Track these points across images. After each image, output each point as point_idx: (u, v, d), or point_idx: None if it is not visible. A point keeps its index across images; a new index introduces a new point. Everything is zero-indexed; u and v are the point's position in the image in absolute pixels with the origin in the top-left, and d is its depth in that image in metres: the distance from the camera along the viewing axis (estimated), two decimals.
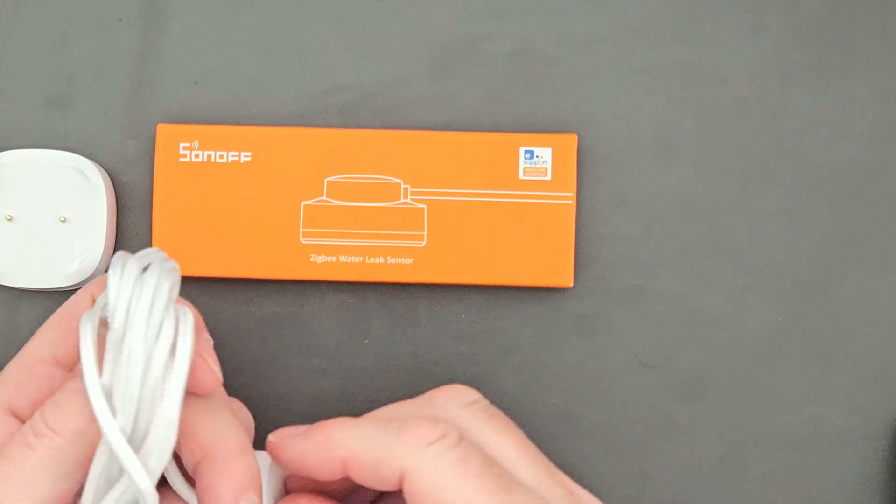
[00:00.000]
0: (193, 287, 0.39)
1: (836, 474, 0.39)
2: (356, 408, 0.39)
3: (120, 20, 0.39)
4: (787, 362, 0.39)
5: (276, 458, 0.29)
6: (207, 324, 0.39)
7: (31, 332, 0.39)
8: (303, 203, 0.37)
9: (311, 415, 0.39)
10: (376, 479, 0.28)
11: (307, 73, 0.39)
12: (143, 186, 0.39)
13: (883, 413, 0.39)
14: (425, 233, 0.37)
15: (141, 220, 0.39)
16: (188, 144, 0.38)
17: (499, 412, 0.30)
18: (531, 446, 0.30)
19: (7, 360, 0.39)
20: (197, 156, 0.38)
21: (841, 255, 0.39)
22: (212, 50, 0.39)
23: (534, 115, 0.39)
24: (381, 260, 0.37)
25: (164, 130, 0.38)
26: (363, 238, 0.37)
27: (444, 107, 0.39)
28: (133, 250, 0.39)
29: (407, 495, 0.27)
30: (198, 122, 0.39)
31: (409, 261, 0.37)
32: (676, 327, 0.39)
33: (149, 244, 0.39)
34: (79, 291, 0.32)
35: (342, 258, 0.37)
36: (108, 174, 0.39)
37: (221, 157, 0.38)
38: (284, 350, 0.39)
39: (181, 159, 0.38)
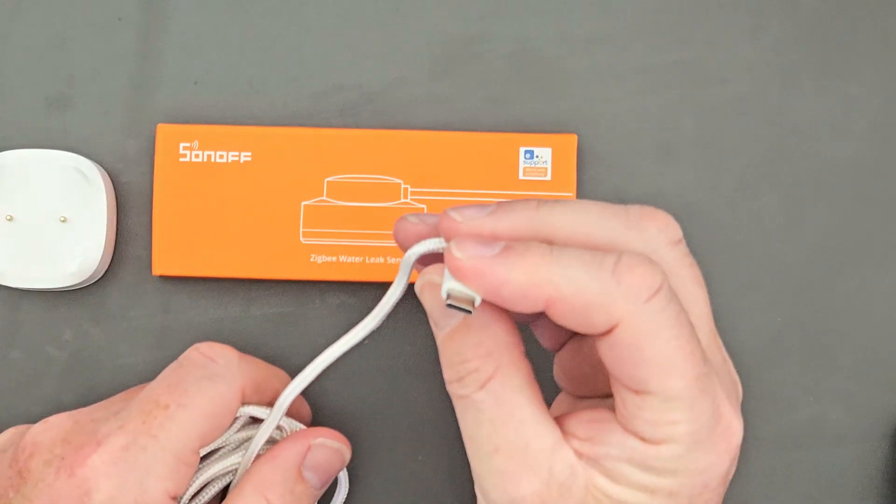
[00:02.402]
0: (194, 287, 0.39)
1: (836, 474, 0.39)
2: (356, 408, 0.39)
3: (120, 20, 0.39)
4: (787, 362, 0.39)
5: (462, 277, 0.26)
6: (207, 323, 0.39)
7: (31, 332, 0.39)
8: (303, 203, 0.37)
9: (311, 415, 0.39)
10: (582, 322, 0.26)
11: (307, 73, 0.39)
12: (143, 186, 0.39)
13: (883, 413, 0.39)
14: None
15: (141, 220, 0.39)
16: (188, 144, 0.38)
17: (694, 260, 0.30)
18: (709, 304, 0.30)
19: (7, 360, 0.39)
20: (197, 156, 0.38)
21: (841, 255, 0.39)
22: (212, 50, 0.39)
23: (534, 115, 0.39)
24: (381, 260, 0.37)
25: (164, 130, 0.38)
26: (363, 238, 0.37)
27: (444, 107, 0.39)
28: (133, 250, 0.39)
29: (608, 344, 0.26)
30: (198, 122, 0.39)
31: None
32: None
33: (149, 244, 0.39)
34: (226, 383, 0.33)
35: (342, 258, 0.37)
36: (108, 174, 0.39)
37: (221, 157, 0.38)
38: (284, 350, 0.39)
39: (181, 159, 0.38)
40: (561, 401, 0.34)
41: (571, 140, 0.38)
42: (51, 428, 0.32)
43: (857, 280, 0.39)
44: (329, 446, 0.33)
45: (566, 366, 0.33)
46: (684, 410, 0.27)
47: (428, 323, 0.39)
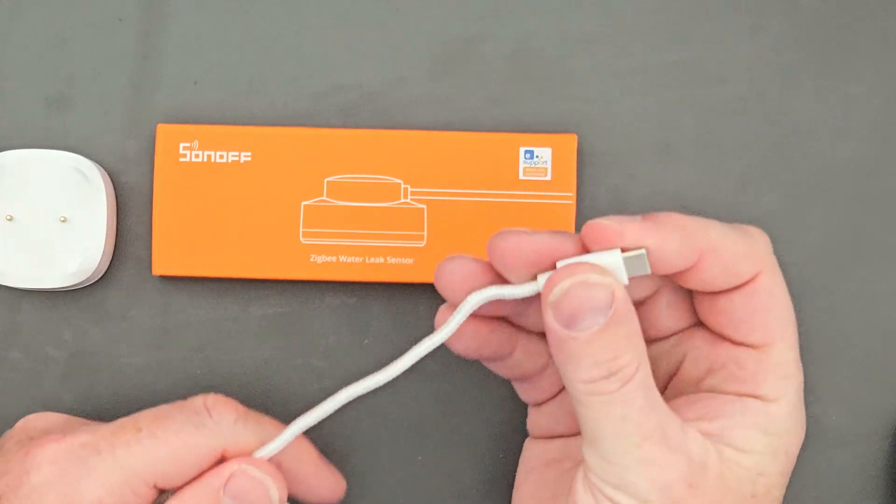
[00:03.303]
0: (194, 287, 0.39)
1: (836, 474, 0.39)
2: (357, 408, 0.39)
3: (120, 20, 0.39)
4: None
5: (625, 241, 0.28)
6: (207, 323, 0.39)
7: (32, 332, 0.39)
8: (303, 203, 0.37)
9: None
10: (731, 271, 0.29)
11: (307, 73, 0.39)
12: (143, 186, 0.39)
13: (883, 413, 0.39)
14: (425, 233, 0.37)
15: (141, 220, 0.39)
16: (188, 144, 0.38)
17: None
18: None
19: (7, 360, 0.39)
20: (197, 156, 0.38)
21: (841, 255, 0.39)
22: (212, 50, 0.39)
23: (534, 115, 0.39)
24: (381, 260, 0.37)
25: (164, 130, 0.38)
26: (363, 238, 0.37)
27: (444, 107, 0.39)
28: (133, 250, 0.39)
29: (748, 294, 0.29)
30: (198, 122, 0.39)
31: (409, 261, 0.37)
32: None
33: (149, 244, 0.38)
34: (207, 438, 0.32)
35: (342, 258, 0.37)
36: (108, 174, 0.39)
37: (221, 157, 0.38)
38: (284, 350, 0.39)
39: (181, 159, 0.38)
40: (529, 447, 0.35)
41: (571, 140, 0.38)
42: (44, 418, 0.33)
43: (857, 280, 0.39)
44: (251, 475, 0.31)
45: (555, 413, 0.34)
46: (796, 364, 0.30)
47: (427, 322, 0.39)
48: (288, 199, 0.37)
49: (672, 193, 0.39)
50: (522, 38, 0.39)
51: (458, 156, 0.37)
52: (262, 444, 0.32)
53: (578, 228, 0.39)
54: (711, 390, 0.30)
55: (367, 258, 0.37)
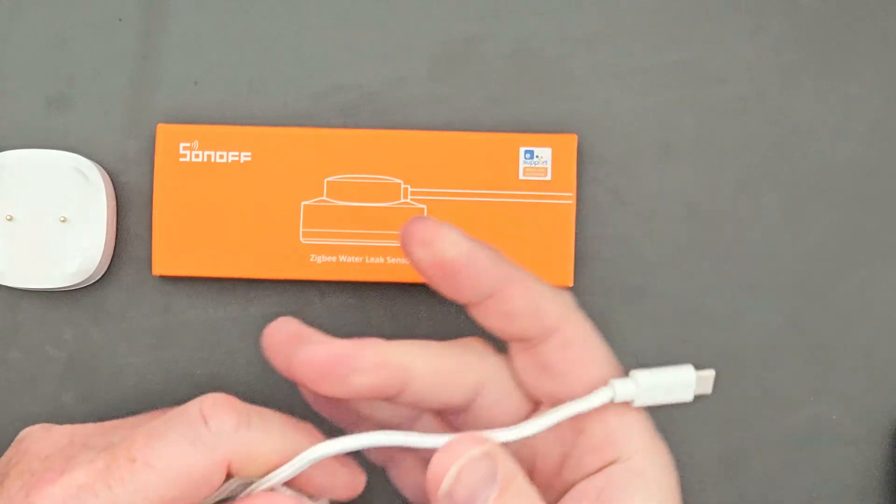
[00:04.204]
0: (194, 287, 0.39)
1: (836, 474, 0.39)
2: None
3: (120, 20, 0.39)
4: (787, 362, 0.39)
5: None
6: (207, 323, 0.39)
7: (31, 332, 0.39)
8: (303, 203, 0.37)
9: (310, 415, 0.39)
10: (534, 311, 0.30)
11: (307, 73, 0.39)
12: (143, 186, 0.39)
13: (883, 413, 0.39)
14: None
15: (141, 220, 0.39)
16: (188, 144, 0.38)
17: None
18: None
19: (7, 360, 0.39)
20: (197, 156, 0.38)
21: (841, 255, 0.39)
22: (212, 50, 0.39)
23: (534, 115, 0.39)
24: (381, 260, 0.37)
25: (164, 130, 0.38)
26: (363, 238, 0.37)
27: (444, 107, 0.39)
28: (133, 250, 0.39)
29: (561, 344, 0.30)
30: (198, 122, 0.39)
31: None
32: (676, 327, 0.39)
33: (149, 244, 0.39)
34: (205, 454, 0.30)
35: (342, 258, 0.37)
36: (108, 174, 0.39)
37: (221, 157, 0.38)
38: None
39: (181, 159, 0.38)
40: None
41: (571, 140, 0.38)
42: (47, 439, 0.31)
43: (857, 280, 0.39)
44: None
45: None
46: (636, 409, 0.31)
47: (427, 322, 0.39)
48: (288, 199, 0.37)
49: (672, 193, 0.39)
50: (522, 38, 0.39)
51: (458, 156, 0.37)
52: (269, 444, 0.30)
53: (579, 228, 0.39)
54: (573, 480, 0.30)
55: (367, 258, 0.37)
